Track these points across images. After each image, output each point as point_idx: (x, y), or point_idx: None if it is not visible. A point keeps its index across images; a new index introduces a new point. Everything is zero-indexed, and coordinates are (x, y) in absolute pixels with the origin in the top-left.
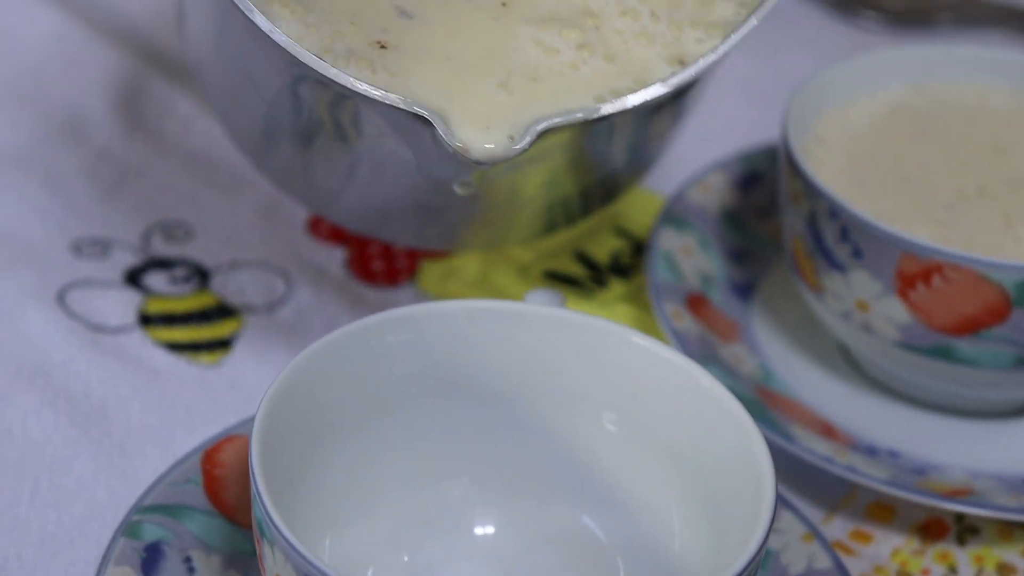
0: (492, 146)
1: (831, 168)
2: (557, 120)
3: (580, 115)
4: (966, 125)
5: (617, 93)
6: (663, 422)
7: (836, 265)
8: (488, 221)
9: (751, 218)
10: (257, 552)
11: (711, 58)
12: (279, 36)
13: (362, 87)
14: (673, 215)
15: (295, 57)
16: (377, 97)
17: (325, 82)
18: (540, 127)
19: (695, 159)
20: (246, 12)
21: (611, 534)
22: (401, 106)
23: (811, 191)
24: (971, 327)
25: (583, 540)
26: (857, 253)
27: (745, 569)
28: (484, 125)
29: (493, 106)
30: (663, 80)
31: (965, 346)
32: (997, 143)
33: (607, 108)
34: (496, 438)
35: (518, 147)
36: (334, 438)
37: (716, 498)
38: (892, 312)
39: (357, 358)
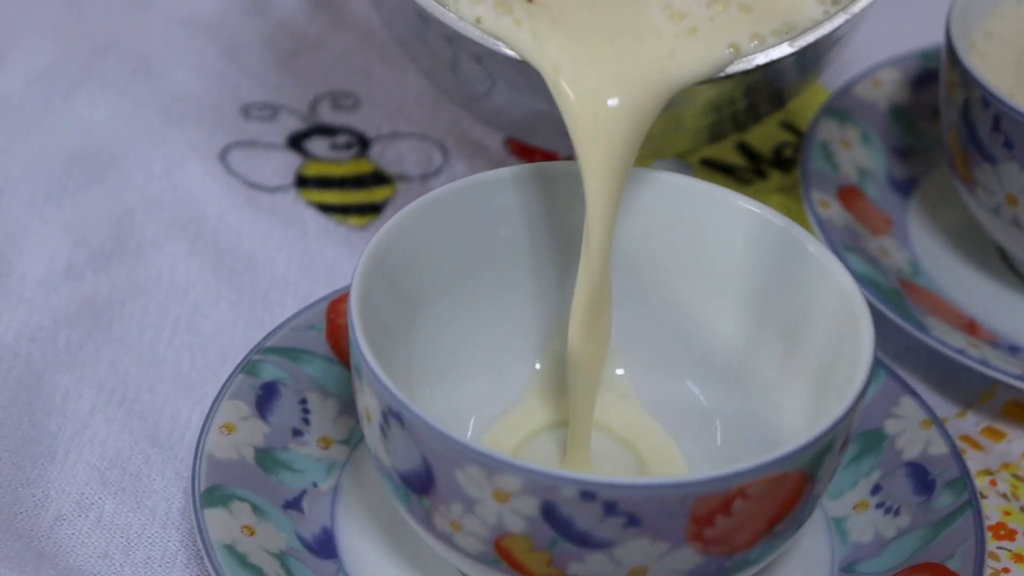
0: (616, 102)
1: (996, 62)
2: (679, 84)
3: (699, 79)
4: None
5: (760, 37)
6: (768, 287)
7: (987, 157)
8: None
9: (921, 116)
10: (354, 395)
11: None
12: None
13: (496, 45)
14: (836, 108)
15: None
16: (511, 55)
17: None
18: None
19: (872, 55)
20: None
21: (712, 399)
22: (525, 59)
23: (966, 80)
24: None
25: (685, 403)
26: (1008, 144)
27: (836, 426)
28: (606, 86)
29: (617, 67)
30: (816, 22)
31: None
32: None
33: (732, 68)
34: None
35: (644, 111)
36: (438, 293)
37: (817, 364)
38: None
39: (466, 214)
